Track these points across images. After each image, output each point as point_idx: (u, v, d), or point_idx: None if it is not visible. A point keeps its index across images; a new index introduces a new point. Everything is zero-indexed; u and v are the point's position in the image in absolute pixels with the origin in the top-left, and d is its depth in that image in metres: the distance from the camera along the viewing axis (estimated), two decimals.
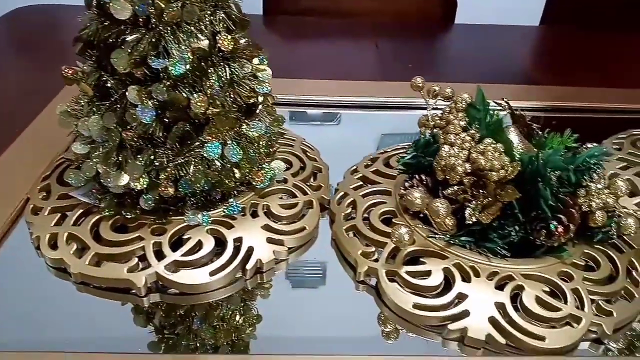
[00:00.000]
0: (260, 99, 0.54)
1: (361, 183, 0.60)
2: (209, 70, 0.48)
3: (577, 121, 0.84)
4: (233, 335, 0.46)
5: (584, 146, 0.52)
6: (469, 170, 0.48)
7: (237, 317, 0.47)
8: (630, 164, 0.66)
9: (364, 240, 0.53)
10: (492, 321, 0.45)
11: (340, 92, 0.83)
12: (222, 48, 0.48)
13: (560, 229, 0.48)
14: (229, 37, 0.48)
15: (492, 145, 0.48)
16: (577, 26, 1.22)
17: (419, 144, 0.56)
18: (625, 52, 1.12)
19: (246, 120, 0.52)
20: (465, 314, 0.45)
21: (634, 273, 0.50)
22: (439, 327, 0.46)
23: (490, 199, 0.49)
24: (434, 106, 0.60)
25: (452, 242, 0.50)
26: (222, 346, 0.45)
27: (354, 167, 0.64)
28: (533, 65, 1.09)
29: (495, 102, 0.59)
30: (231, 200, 0.54)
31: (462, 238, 0.50)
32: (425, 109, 0.59)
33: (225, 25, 0.48)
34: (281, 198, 0.57)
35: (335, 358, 0.44)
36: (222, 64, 0.49)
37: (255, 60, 0.52)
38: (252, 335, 0.46)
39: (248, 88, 0.51)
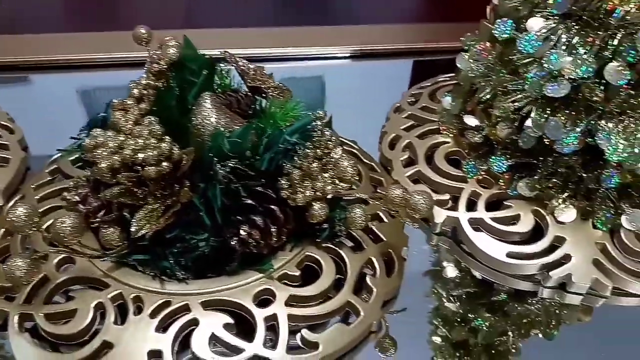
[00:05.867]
0: None
1: (50, 178, 0.45)
2: None
3: (385, 68, 0.71)
4: None
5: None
6: (118, 164, 0.34)
7: None
8: (419, 121, 0.53)
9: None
10: None
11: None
12: None
13: (255, 233, 0.35)
14: None
15: (150, 128, 0.34)
16: None
17: (93, 122, 0.40)
18: None
19: None
20: None
21: (368, 280, 0.38)
22: None
23: (169, 201, 0.35)
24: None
25: (122, 261, 0.36)
26: None
27: (57, 155, 0.48)
28: None
29: (226, 56, 0.44)
30: None
31: (135, 257, 0.36)
32: None
33: None
34: None
35: None
36: None
37: None
38: None
39: None
